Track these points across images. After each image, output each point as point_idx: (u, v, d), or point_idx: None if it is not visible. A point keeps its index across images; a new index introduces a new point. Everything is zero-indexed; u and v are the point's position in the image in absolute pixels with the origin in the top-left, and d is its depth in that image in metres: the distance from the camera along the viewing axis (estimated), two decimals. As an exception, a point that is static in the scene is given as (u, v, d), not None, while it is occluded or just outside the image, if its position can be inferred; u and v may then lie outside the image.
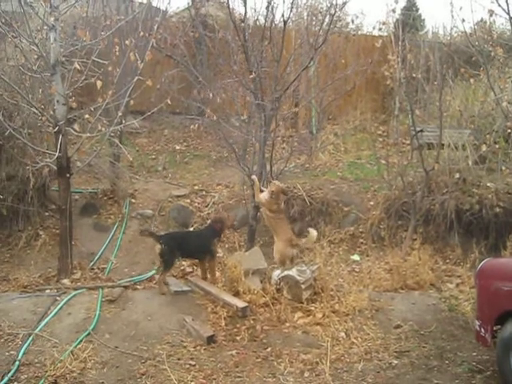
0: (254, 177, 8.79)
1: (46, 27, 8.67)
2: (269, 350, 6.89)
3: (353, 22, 15.49)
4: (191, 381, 6.11)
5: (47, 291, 8.38)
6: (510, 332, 5.77)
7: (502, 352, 5.84)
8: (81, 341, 6.85)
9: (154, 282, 8.74)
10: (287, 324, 7.45)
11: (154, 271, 9.03)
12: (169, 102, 8.63)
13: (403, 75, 10.73)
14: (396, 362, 6.62)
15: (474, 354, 6.67)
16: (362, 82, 13.25)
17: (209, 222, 9.65)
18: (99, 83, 8.26)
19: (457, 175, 10.01)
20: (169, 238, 8.48)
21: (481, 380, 6.09)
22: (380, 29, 14.19)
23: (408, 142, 11.24)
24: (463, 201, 9.80)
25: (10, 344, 6.82)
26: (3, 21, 8.36)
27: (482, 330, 6.08)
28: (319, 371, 6.43)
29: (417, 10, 19.72)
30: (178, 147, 13.54)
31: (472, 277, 7.64)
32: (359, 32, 15.89)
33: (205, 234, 8.82)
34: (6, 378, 6.10)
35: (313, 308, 7.74)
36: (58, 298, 8.00)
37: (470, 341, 6.81)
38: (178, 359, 6.58)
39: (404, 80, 10.77)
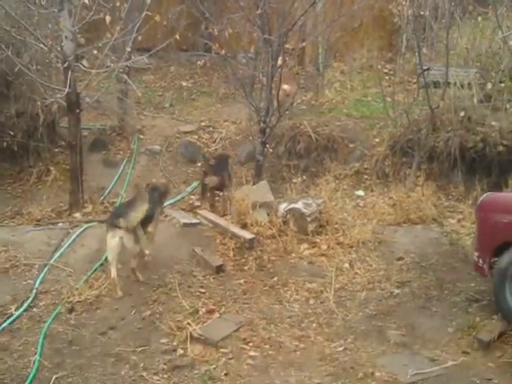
0: None
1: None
2: (275, 278, 7.19)
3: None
4: (201, 307, 6.40)
5: (60, 224, 8.62)
6: (507, 262, 6.03)
7: (499, 281, 6.13)
8: (95, 270, 7.14)
9: (164, 215, 8.94)
10: (293, 255, 7.72)
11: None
12: (177, 38, 8.66)
13: (411, 13, 10.62)
14: (397, 291, 6.90)
15: (472, 284, 6.94)
16: (370, 19, 13.08)
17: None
18: (108, 18, 8.25)
19: (462, 113, 9.96)
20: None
21: (477, 308, 6.41)
22: (388, -36, 13.95)
23: (414, 80, 11.20)
24: (467, 139, 9.77)
25: (26, 274, 7.15)
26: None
27: (481, 260, 6.33)
28: (323, 299, 6.75)
29: None
30: (184, 84, 13.48)
31: (473, 213, 7.77)
32: (368, -33, 15.54)
33: None
34: (25, 305, 6.46)
35: (318, 240, 7.99)
36: (70, 230, 8.26)
37: (469, 273, 7.05)
38: (189, 287, 6.87)
39: (412, 18, 10.68)
